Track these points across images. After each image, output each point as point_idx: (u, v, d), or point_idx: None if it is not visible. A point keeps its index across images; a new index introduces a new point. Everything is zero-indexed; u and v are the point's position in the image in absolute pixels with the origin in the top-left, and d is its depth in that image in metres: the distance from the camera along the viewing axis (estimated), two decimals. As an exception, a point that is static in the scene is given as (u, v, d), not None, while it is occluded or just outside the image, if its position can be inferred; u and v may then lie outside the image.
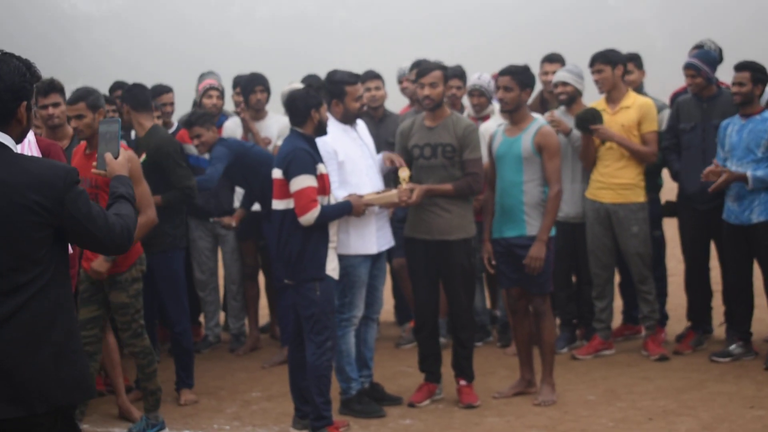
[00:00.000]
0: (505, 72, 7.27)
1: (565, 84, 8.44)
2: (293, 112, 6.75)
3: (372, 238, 7.11)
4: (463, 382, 7.35)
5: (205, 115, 8.49)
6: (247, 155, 8.30)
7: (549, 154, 7.15)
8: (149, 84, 9.18)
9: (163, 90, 9.27)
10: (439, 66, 7.30)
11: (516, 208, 7.18)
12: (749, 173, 7.61)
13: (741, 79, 7.76)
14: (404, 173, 7.11)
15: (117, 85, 9.53)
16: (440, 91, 7.19)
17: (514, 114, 7.27)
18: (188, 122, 8.44)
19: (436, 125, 7.22)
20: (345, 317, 7.10)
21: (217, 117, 9.09)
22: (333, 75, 7.20)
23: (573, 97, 8.44)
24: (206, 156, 8.50)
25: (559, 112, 8.46)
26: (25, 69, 3.86)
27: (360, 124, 7.37)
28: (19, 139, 3.90)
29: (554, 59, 9.18)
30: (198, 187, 7.92)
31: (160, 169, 7.48)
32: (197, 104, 9.25)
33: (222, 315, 9.65)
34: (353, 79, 7.16)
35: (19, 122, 3.87)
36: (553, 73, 8.97)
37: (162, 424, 6.94)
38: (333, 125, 7.07)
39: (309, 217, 6.49)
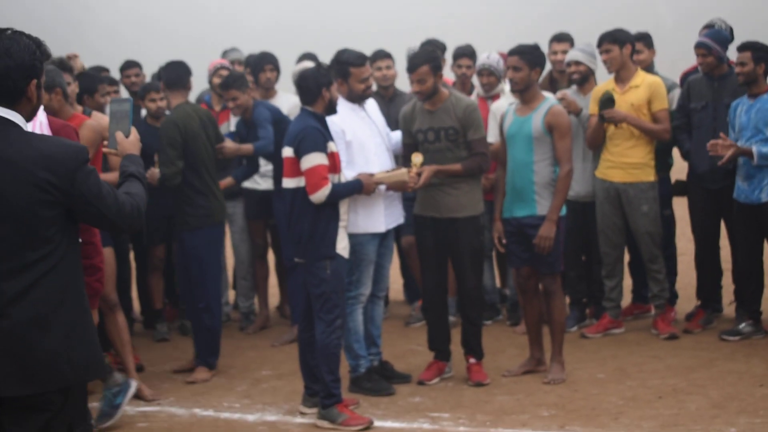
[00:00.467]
0: (514, 52, 7.25)
1: (578, 63, 8.42)
2: (304, 91, 6.75)
3: (380, 216, 7.11)
4: (472, 360, 7.37)
5: (241, 78, 8.49)
6: (283, 121, 8.30)
7: (560, 134, 7.14)
8: (156, 66, 9.21)
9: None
10: (428, 59, 7.17)
11: (527, 188, 7.18)
12: (755, 148, 7.61)
13: (743, 59, 7.74)
14: (417, 158, 7.10)
15: (128, 64, 9.57)
16: (429, 85, 7.13)
17: (525, 93, 7.26)
18: (224, 84, 8.43)
19: (436, 109, 7.20)
20: (352, 295, 7.11)
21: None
22: (340, 55, 7.18)
23: (586, 77, 8.42)
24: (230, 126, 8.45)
25: (570, 92, 8.44)
26: (35, 47, 3.85)
27: (370, 102, 7.36)
28: (29, 117, 3.89)
29: (563, 38, 9.14)
30: (259, 153, 8.11)
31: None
32: (209, 83, 9.23)
33: (231, 294, 9.67)
34: (359, 60, 7.13)
35: (29, 100, 3.86)
36: (563, 52, 8.95)
37: (126, 383, 6.83)
38: (341, 104, 7.07)
39: (320, 195, 6.50)
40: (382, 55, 8.96)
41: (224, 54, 10.19)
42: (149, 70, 10.10)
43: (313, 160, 6.51)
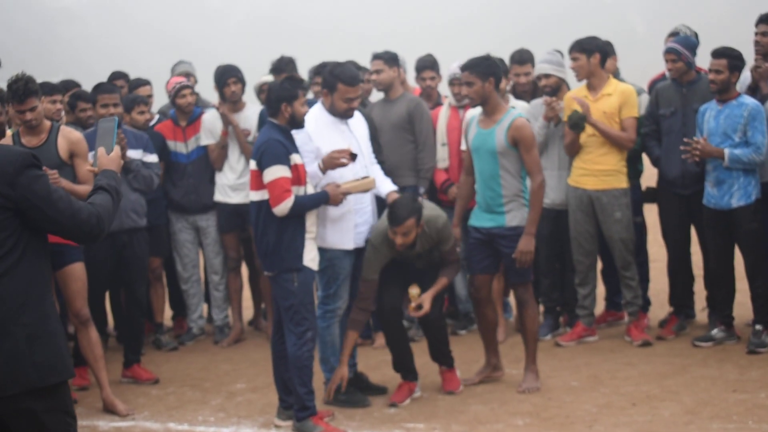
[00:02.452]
0: (464, 67, 7.19)
1: (548, 76, 8.44)
2: (267, 103, 6.76)
3: (349, 233, 7.05)
4: (444, 367, 7.37)
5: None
6: None
7: (525, 147, 7.09)
8: (131, 76, 9.20)
9: (140, 83, 9.31)
10: (412, 213, 6.85)
11: (495, 200, 7.19)
12: (727, 150, 7.65)
13: (718, 66, 7.76)
14: (414, 290, 7.10)
15: (115, 75, 9.52)
16: (413, 236, 6.88)
17: (485, 106, 7.20)
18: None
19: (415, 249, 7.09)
20: (329, 309, 7.10)
21: (191, 112, 9.03)
22: (335, 68, 7.03)
23: (557, 88, 8.43)
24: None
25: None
26: None
27: (353, 117, 7.22)
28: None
29: (524, 59, 8.95)
30: None
31: None
32: (172, 103, 9.16)
33: (205, 307, 9.65)
34: (351, 80, 6.96)
35: None
36: (525, 74, 8.90)
37: None
38: (322, 116, 7.05)
39: (283, 208, 6.48)
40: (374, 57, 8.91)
41: (174, 68, 10.09)
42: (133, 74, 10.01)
43: (275, 172, 6.48)
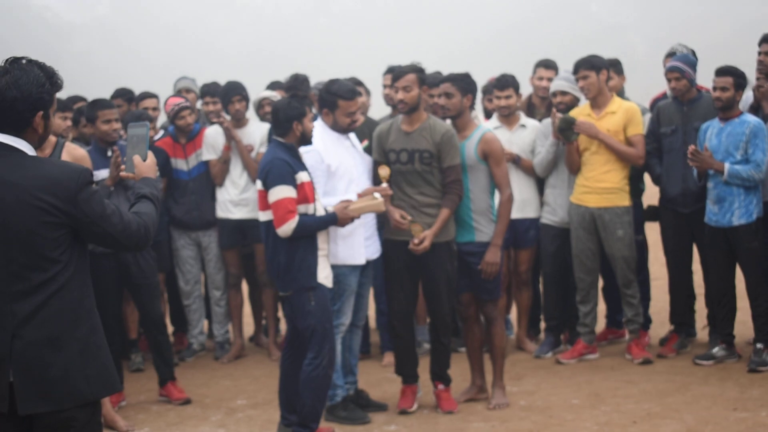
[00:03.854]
0: (445, 79, 7.26)
1: (564, 93, 8.47)
2: (275, 123, 6.72)
3: (360, 248, 7.08)
4: (441, 387, 7.35)
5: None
6: None
7: (494, 161, 7.16)
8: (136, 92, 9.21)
9: (146, 95, 9.33)
10: (414, 69, 7.17)
11: (465, 215, 7.21)
12: (727, 165, 7.68)
13: (724, 83, 7.78)
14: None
15: (118, 93, 9.51)
16: (414, 95, 7.08)
17: (457, 120, 7.24)
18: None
19: (413, 130, 7.16)
20: (333, 324, 7.08)
21: (191, 128, 9.04)
22: (330, 85, 7.06)
23: (571, 106, 8.45)
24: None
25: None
26: (45, 79, 3.94)
27: (352, 134, 7.31)
28: (37, 145, 3.98)
29: (550, 66, 9.16)
30: None
31: None
32: (171, 123, 9.17)
33: (206, 323, 9.64)
34: (349, 95, 7.01)
35: (35, 130, 3.96)
36: (549, 79, 8.98)
37: None
38: (326, 133, 7.06)
39: (286, 229, 6.46)
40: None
41: (176, 83, 10.10)
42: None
43: (279, 193, 6.46)
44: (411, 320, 7.38)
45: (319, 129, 7.07)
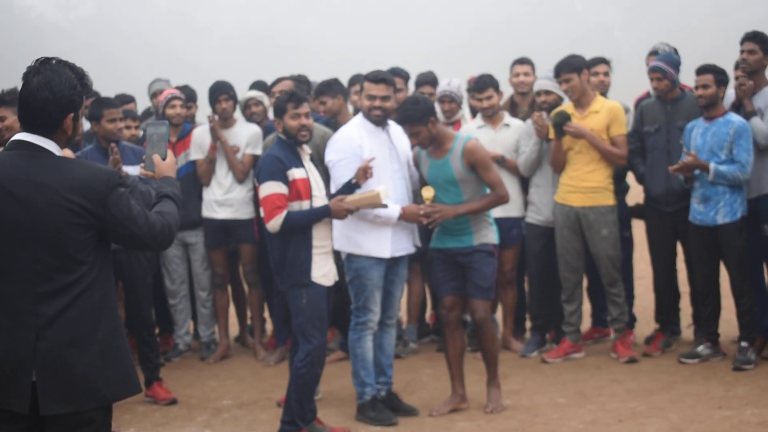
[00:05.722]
0: (402, 123, 7.00)
1: (548, 92, 8.49)
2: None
3: (386, 242, 7.01)
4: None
5: (335, 84, 8.58)
6: None
7: (483, 167, 7.02)
8: (114, 93, 9.19)
9: (126, 99, 9.33)
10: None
11: (461, 226, 7.09)
12: (712, 165, 7.70)
13: (705, 81, 7.81)
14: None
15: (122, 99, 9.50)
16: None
17: (434, 143, 7.05)
18: (317, 91, 8.58)
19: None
20: (360, 321, 7.03)
21: (181, 125, 9.05)
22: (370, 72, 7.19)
23: (555, 105, 8.46)
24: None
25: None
26: (77, 81, 3.95)
27: (393, 127, 7.25)
28: (64, 146, 4.00)
29: (524, 61, 9.21)
30: None
31: None
32: (157, 114, 9.18)
33: (191, 324, 9.63)
34: (370, 76, 7.08)
35: (65, 132, 3.97)
36: (525, 74, 9.03)
37: None
38: (361, 123, 7.10)
39: (273, 224, 6.49)
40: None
41: (150, 85, 10.09)
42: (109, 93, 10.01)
43: (268, 189, 6.51)
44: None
45: (358, 121, 7.14)
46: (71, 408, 3.86)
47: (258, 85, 9.77)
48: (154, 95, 9.73)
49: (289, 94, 6.80)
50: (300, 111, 6.65)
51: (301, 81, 9.06)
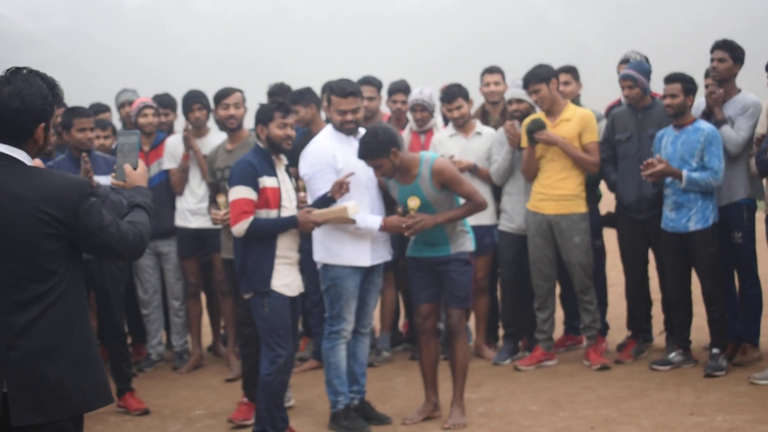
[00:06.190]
0: (364, 158, 6.84)
1: (519, 101, 8.52)
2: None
3: (366, 251, 7.01)
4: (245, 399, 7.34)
5: (308, 93, 8.57)
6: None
7: (455, 183, 6.93)
8: (87, 103, 9.15)
9: (101, 109, 9.30)
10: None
11: (438, 235, 7.03)
12: (685, 172, 7.73)
13: (673, 90, 7.86)
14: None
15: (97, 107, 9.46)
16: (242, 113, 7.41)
17: (399, 171, 6.95)
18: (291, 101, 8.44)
19: (233, 148, 7.40)
20: (334, 330, 7.02)
21: (155, 134, 9.05)
22: (332, 82, 7.25)
23: (527, 114, 8.47)
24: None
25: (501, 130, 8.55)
26: (48, 91, 3.93)
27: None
28: (35, 155, 3.98)
29: (494, 70, 9.22)
30: None
31: None
32: (125, 124, 9.14)
33: (163, 333, 9.60)
34: (341, 92, 7.03)
35: (36, 142, 3.95)
36: (495, 83, 9.06)
37: None
38: (332, 134, 7.09)
39: (239, 228, 6.51)
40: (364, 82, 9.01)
41: (117, 96, 10.05)
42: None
43: (237, 193, 6.53)
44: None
45: (329, 131, 7.15)
46: (43, 418, 3.83)
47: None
48: (121, 105, 9.70)
49: (278, 103, 6.83)
50: (287, 121, 6.69)
51: (283, 89, 9.04)
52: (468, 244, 7.13)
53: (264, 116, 6.68)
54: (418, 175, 6.93)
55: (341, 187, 6.84)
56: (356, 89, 7.12)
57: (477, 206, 7.02)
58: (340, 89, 7.04)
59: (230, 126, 8.05)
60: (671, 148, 7.90)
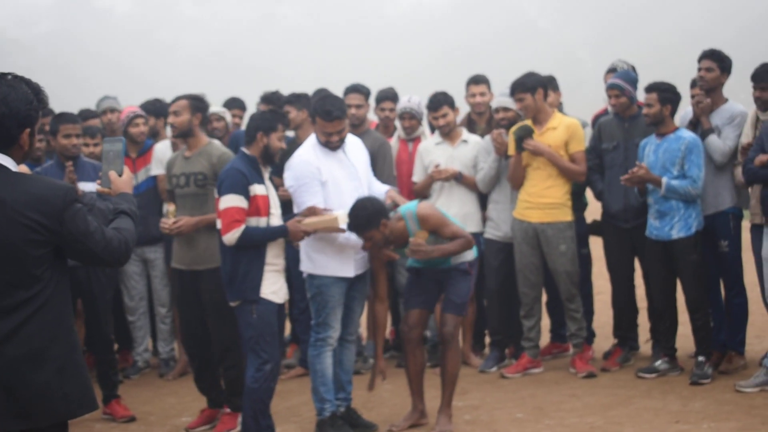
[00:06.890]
0: (354, 230, 6.78)
1: (506, 109, 8.53)
2: (246, 131, 6.79)
3: (350, 261, 7.01)
4: (227, 410, 7.33)
5: (303, 97, 8.57)
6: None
7: (441, 227, 6.89)
8: (76, 109, 9.15)
9: (90, 115, 9.28)
10: (188, 96, 7.38)
11: (438, 264, 7.03)
12: (664, 179, 7.77)
13: (649, 100, 7.91)
14: (170, 207, 7.24)
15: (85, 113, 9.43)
16: (185, 119, 7.30)
17: (390, 240, 6.93)
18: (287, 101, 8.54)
19: (191, 155, 7.34)
20: (320, 337, 7.01)
21: (143, 142, 9.04)
22: (316, 101, 7.16)
23: (514, 122, 8.49)
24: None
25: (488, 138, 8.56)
26: (33, 96, 3.93)
27: (351, 144, 7.21)
28: (20, 161, 3.97)
29: (479, 80, 9.21)
30: None
31: None
32: (104, 131, 9.11)
33: (151, 340, 9.58)
34: (325, 116, 6.93)
35: (21, 147, 3.95)
36: (481, 94, 9.07)
37: None
38: (316, 145, 7.05)
39: (230, 237, 6.51)
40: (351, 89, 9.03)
41: (99, 103, 10.01)
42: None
43: (228, 201, 6.53)
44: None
45: (313, 141, 7.11)
46: (27, 425, 3.82)
47: (235, 102, 9.80)
48: (103, 113, 9.65)
49: (279, 114, 6.85)
50: (284, 134, 6.76)
51: (277, 97, 9.03)
52: (467, 254, 7.11)
53: (267, 125, 6.68)
54: (409, 233, 6.90)
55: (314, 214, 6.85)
56: (341, 112, 7.02)
57: (467, 243, 6.92)
58: (326, 113, 6.95)
59: (173, 132, 7.90)
60: (653, 156, 7.93)
